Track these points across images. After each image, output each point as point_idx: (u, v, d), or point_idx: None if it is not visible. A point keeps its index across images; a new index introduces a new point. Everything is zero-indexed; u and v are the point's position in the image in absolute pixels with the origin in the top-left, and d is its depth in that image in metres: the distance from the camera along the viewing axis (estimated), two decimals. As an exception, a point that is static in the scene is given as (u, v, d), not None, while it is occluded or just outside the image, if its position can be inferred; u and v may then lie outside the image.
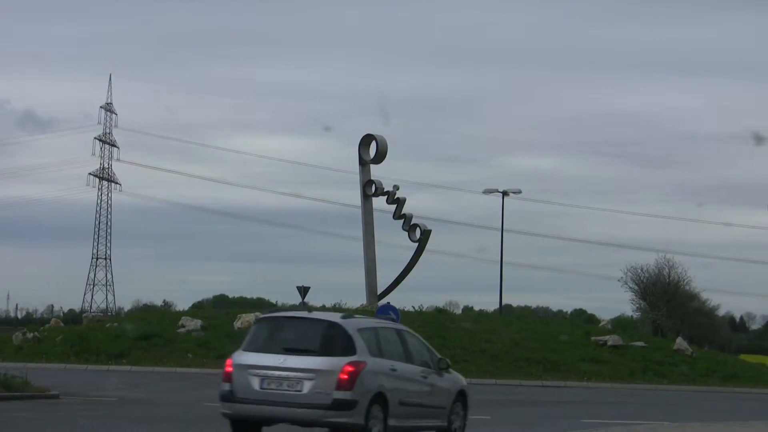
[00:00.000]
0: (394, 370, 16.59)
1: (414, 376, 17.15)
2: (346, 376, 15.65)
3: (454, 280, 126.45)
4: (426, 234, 44.74)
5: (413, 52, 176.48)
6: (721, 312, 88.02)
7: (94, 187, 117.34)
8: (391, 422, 16.34)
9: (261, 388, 15.88)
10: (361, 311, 44.05)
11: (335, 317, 16.96)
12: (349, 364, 15.78)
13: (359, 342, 16.17)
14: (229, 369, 16.21)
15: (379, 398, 16.08)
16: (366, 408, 15.78)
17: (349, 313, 18.13)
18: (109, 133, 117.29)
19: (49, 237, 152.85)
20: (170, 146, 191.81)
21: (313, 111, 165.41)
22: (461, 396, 18.29)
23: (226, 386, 16.14)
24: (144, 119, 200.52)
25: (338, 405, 15.56)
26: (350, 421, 15.73)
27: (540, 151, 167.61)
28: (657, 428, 20.36)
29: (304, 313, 17.42)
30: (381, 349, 16.66)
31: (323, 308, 49.15)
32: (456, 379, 18.48)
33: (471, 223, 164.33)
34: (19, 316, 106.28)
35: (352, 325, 16.47)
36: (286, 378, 15.80)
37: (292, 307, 38.93)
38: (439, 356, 18.15)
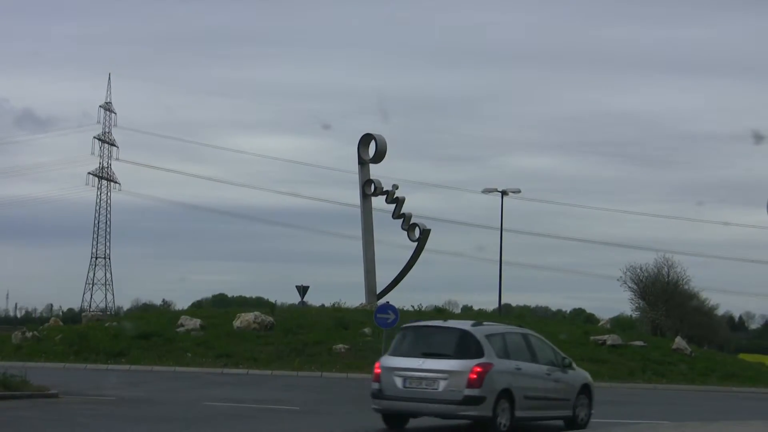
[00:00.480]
0: (519, 369, 19.11)
1: (539, 373, 19.65)
2: (475, 376, 18.26)
3: (453, 279, 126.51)
4: (425, 233, 44.77)
5: (413, 52, 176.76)
6: (720, 311, 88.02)
7: (93, 186, 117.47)
8: (519, 414, 18.85)
9: (404, 386, 18.64)
10: (361, 311, 44.10)
11: (466, 325, 19.54)
12: (478, 365, 18.37)
13: (487, 346, 18.75)
14: (378, 371, 19.12)
15: (506, 394, 18.60)
16: (493, 402, 18.35)
17: (479, 321, 20.97)
18: (108, 133, 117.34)
19: (48, 236, 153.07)
20: (169, 145, 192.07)
21: (312, 110, 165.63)
22: (585, 389, 20.83)
23: (376, 385, 19.04)
24: (143, 118, 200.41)
25: (468, 400, 18.20)
26: (479, 413, 18.36)
27: (539, 150, 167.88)
28: (656, 427, 20.35)
29: (440, 323, 20.35)
30: (507, 351, 19.24)
31: (322, 307, 49.20)
32: (580, 375, 21.04)
33: (470, 223, 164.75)
34: (19, 315, 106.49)
35: (480, 331, 19.12)
36: (425, 378, 18.50)
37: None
38: (563, 356, 20.66)
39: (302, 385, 30.71)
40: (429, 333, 19.71)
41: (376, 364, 19.31)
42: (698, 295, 77.59)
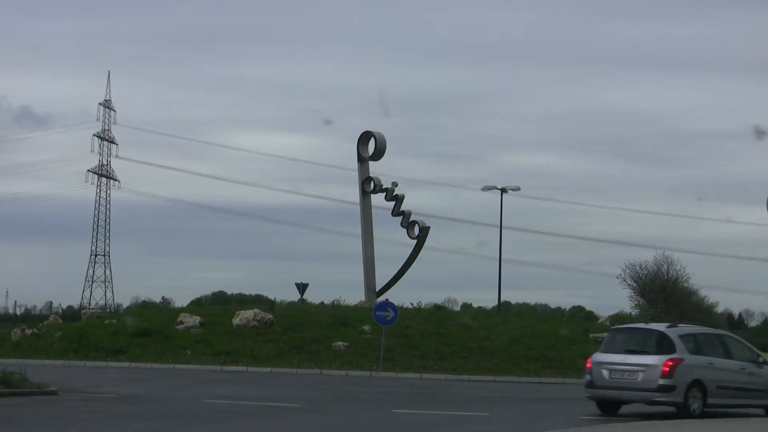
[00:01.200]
0: (711, 363, 22.88)
1: (732, 367, 23.27)
2: (667, 369, 22.17)
3: (452, 277, 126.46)
4: (425, 231, 44.75)
5: (413, 50, 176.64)
6: (720, 309, 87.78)
7: (92, 183, 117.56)
8: (711, 401, 22.62)
9: (609, 377, 22.72)
10: (360, 308, 44.10)
11: (662, 327, 23.63)
12: (670, 359, 22.29)
13: (679, 344, 22.61)
14: (589, 365, 23.22)
15: (698, 384, 22.38)
16: (684, 391, 22.19)
17: (674, 323, 24.74)
18: (107, 130, 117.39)
19: (47, 234, 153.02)
20: (169, 143, 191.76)
21: (312, 108, 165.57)
22: None
23: (588, 377, 23.19)
24: (143, 116, 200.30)
25: (662, 388, 22.17)
26: (671, 399, 22.33)
27: (539, 148, 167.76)
28: (656, 426, 20.37)
29: (641, 325, 24.93)
30: (700, 348, 23.06)
31: (322, 305, 49.21)
32: None
33: (470, 220, 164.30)
34: (18, 313, 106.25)
35: (674, 332, 23.00)
36: (626, 370, 22.53)
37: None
38: (759, 353, 24.23)
39: (302, 383, 30.72)
40: (632, 333, 24.01)
41: (589, 360, 23.47)
42: (697, 293, 77.52)
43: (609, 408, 23.24)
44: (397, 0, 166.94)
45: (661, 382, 22.16)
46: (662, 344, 22.76)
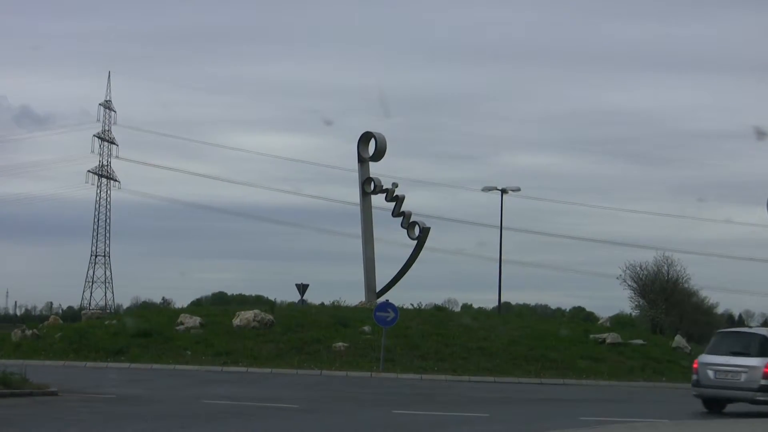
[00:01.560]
0: None
1: None
2: None
3: (453, 277, 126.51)
4: (425, 231, 44.77)
5: (413, 49, 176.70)
6: (720, 309, 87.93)
7: (93, 184, 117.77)
8: None
9: (714, 378, 24.38)
10: (360, 309, 44.08)
11: (764, 331, 25.32)
12: None
13: None
14: (695, 366, 24.99)
15: None
16: None
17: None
18: (108, 131, 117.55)
19: (48, 234, 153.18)
20: (169, 143, 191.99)
21: (312, 108, 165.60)
22: None
23: (694, 377, 24.90)
24: (143, 116, 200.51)
25: (763, 389, 23.65)
26: None
27: (539, 148, 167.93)
28: (656, 426, 20.36)
29: (745, 329, 27.36)
30: None
31: (322, 305, 49.21)
32: None
33: (470, 221, 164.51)
34: (18, 313, 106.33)
35: None
36: (730, 371, 24.17)
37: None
38: None
39: (302, 383, 30.72)
40: (736, 337, 25.90)
41: (695, 361, 25.21)
42: (698, 294, 77.57)
43: (714, 406, 24.74)
44: (397, 0, 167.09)
45: (763, 382, 23.58)
46: (765, 347, 24.17)
